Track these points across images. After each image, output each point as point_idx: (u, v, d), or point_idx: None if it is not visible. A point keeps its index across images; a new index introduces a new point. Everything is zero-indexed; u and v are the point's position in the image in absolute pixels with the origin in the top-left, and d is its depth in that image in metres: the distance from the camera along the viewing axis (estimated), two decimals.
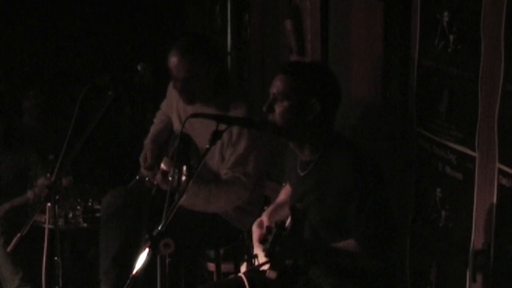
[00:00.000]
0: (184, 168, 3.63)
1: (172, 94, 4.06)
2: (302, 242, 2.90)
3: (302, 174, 3.05)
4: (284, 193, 3.41)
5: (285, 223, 2.91)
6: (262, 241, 2.81)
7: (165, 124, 4.21)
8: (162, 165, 3.85)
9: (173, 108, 4.07)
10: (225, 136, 3.73)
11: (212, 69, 3.78)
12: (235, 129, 3.73)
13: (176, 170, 3.64)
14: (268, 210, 3.36)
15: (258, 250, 3.25)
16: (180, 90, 3.82)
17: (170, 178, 3.65)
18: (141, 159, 4.07)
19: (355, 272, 2.94)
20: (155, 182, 3.88)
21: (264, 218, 3.30)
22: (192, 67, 3.74)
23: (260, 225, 3.28)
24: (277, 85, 2.96)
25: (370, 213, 2.85)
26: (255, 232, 3.29)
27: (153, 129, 4.25)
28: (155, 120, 4.29)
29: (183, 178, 3.59)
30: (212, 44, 3.95)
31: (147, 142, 4.17)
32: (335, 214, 2.90)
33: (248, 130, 3.71)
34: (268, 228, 2.81)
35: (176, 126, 4.02)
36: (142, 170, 4.04)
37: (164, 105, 4.24)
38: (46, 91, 5.69)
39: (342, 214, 2.88)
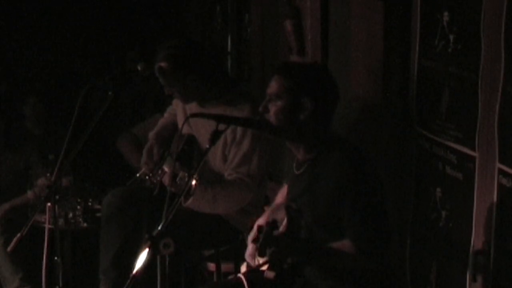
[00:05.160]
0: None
1: None
2: (297, 241, 2.90)
3: (297, 173, 3.06)
4: (282, 193, 3.41)
5: (276, 222, 2.91)
6: (254, 240, 2.82)
7: (172, 119, 4.22)
8: (165, 167, 3.85)
9: (179, 106, 4.08)
10: (229, 135, 3.74)
11: (190, 76, 3.77)
12: (239, 128, 3.73)
13: (185, 173, 3.64)
14: (266, 213, 3.36)
15: (254, 250, 3.25)
16: (167, 92, 3.85)
17: (178, 181, 3.65)
18: (144, 152, 4.06)
19: (352, 273, 2.94)
20: (155, 181, 3.88)
21: (264, 218, 3.30)
22: (168, 74, 3.77)
23: None
24: (271, 85, 2.98)
25: (364, 213, 2.84)
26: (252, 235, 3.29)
27: (160, 123, 4.27)
28: (165, 114, 4.30)
29: (193, 182, 3.59)
30: (192, 50, 3.91)
31: (151, 134, 4.17)
32: (329, 214, 2.90)
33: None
34: (259, 228, 2.82)
35: (181, 125, 4.03)
36: (143, 164, 4.02)
37: (174, 102, 4.25)
38: (46, 96, 5.69)
39: (336, 214, 2.88)
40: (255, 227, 3.27)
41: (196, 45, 4.05)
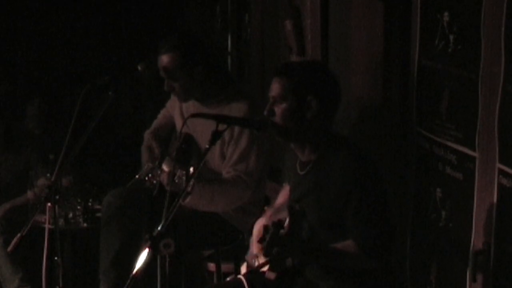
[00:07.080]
0: (191, 169, 3.62)
1: None
2: (299, 242, 2.90)
3: (301, 173, 3.05)
4: (283, 195, 3.41)
5: (283, 222, 2.91)
6: (260, 240, 2.82)
7: (167, 120, 4.21)
8: (164, 167, 3.85)
9: (176, 107, 4.07)
10: (226, 133, 3.72)
11: (198, 67, 3.75)
12: (236, 127, 3.73)
13: (183, 172, 3.63)
14: (267, 213, 3.36)
15: (257, 250, 3.25)
16: (166, 88, 3.82)
17: (176, 180, 3.65)
18: (143, 150, 4.05)
19: (353, 273, 2.94)
20: (154, 182, 3.88)
21: (266, 220, 3.30)
22: (174, 66, 3.73)
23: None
24: (274, 88, 2.97)
25: (369, 214, 2.84)
26: (256, 235, 3.28)
27: (155, 123, 4.26)
28: (159, 116, 4.30)
29: (192, 180, 3.59)
30: (198, 42, 3.89)
31: (147, 133, 4.16)
32: (334, 214, 2.90)
33: None
34: (266, 227, 2.82)
35: (179, 126, 4.03)
36: (145, 162, 4.01)
37: (168, 104, 4.25)
38: (50, 97, 5.69)
39: (341, 214, 2.88)
40: (258, 227, 3.28)
41: (200, 39, 4.03)
